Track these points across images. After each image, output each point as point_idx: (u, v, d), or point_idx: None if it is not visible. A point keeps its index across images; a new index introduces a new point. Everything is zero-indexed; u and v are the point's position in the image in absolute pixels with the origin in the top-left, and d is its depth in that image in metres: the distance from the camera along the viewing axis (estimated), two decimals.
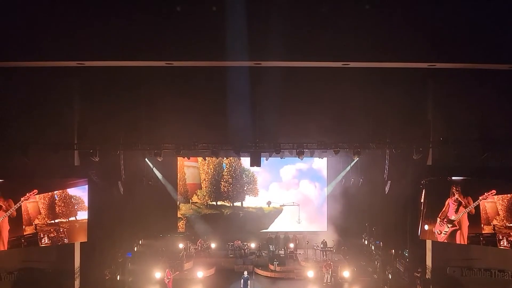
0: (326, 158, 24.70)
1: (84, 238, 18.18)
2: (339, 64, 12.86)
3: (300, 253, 23.59)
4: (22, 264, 17.76)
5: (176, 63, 12.86)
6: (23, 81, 15.57)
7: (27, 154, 16.26)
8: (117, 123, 18.59)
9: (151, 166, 23.01)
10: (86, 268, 19.07)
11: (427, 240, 19.06)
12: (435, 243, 18.67)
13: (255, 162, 19.55)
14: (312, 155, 20.18)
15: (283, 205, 25.95)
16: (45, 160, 16.90)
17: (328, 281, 19.50)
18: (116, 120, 18.48)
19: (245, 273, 18.82)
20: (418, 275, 18.76)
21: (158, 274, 19.55)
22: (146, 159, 22.57)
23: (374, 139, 18.76)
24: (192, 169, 26.04)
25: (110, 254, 20.22)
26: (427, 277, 18.76)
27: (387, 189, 21.10)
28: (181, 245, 23.93)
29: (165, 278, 18.75)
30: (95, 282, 18.52)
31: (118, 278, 19.16)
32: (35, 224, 16.97)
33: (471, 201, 17.17)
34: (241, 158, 20.50)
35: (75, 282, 18.52)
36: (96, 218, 18.79)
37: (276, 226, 25.97)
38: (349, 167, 23.82)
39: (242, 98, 19.09)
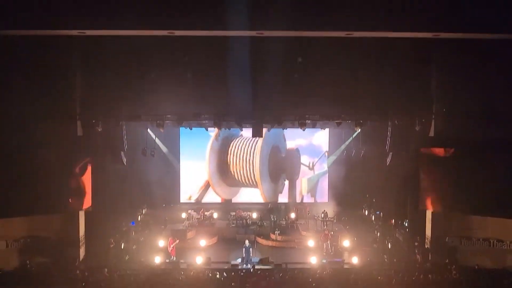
0: (328, 129, 24.71)
1: (89, 208, 18.54)
2: (342, 34, 12.75)
3: (301, 223, 23.94)
4: (27, 232, 18.06)
5: (178, 33, 12.78)
6: (24, 51, 15.47)
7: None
8: (119, 94, 18.56)
9: (154, 137, 23.08)
10: (90, 237, 19.42)
11: (427, 211, 19.32)
12: (435, 214, 18.93)
13: (257, 133, 19.66)
14: (314, 127, 20.27)
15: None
16: (49, 130, 16.97)
17: (329, 250, 19.84)
18: (118, 91, 18.45)
19: (247, 242, 19.16)
20: (417, 244, 19.09)
21: (161, 243, 19.93)
22: (148, 130, 22.61)
23: (377, 110, 18.75)
24: None
25: (114, 223, 20.53)
26: (426, 246, 19.10)
27: (388, 160, 21.25)
28: (183, 215, 24.31)
29: (168, 247, 19.12)
30: (99, 250, 18.87)
31: (122, 246, 19.54)
32: None
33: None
34: (243, 129, 20.49)
35: (80, 250, 18.91)
36: (100, 187, 19.04)
37: (279, 196, 26.23)
38: (351, 139, 23.87)
39: (244, 69, 18.97)
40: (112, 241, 19.18)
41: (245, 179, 25.90)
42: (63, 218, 18.40)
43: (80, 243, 18.94)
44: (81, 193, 18.30)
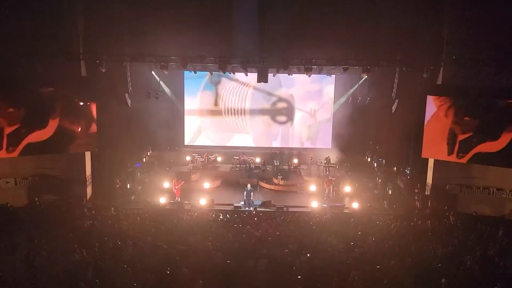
0: (334, 75, 24.35)
1: (94, 148, 18.79)
2: None
3: (303, 169, 24.23)
4: (35, 170, 18.46)
5: None
6: None
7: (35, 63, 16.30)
8: (123, 33, 18.24)
9: (158, 79, 22.87)
10: (97, 176, 19.84)
11: (429, 159, 19.43)
12: (437, 162, 19.06)
13: (262, 78, 19.41)
14: (320, 72, 19.94)
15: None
16: (53, 70, 16.84)
17: (331, 195, 20.21)
18: (122, 31, 18.13)
19: (248, 185, 19.52)
20: (417, 191, 19.39)
21: (166, 184, 20.34)
22: (152, 72, 22.38)
23: (385, 56, 18.35)
24: None
25: (120, 164, 20.85)
26: (426, 193, 19.40)
27: (394, 108, 21.11)
28: (188, 158, 24.61)
29: (173, 188, 19.52)
30: (106, 190, 19.31)
31: (128, 187, 19.99)
32: None
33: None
34: (248, 73, 20.20)
35: (87, 189, 19.36)
36: (105, 129, 19.16)
37: (282, 142, 26.34)
38: (357, 85, 23.57)
39: (250, 10, 18.47)
40: (118, 181, 19.58)
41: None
42: (70, 158, 18.72)
43: (87, 182, 19.37)
44: (86, 134, 18.46)
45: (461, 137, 17.91)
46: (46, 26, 16.59)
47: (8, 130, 16.79)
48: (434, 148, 18.58)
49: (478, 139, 17.60)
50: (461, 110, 17.78)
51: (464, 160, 18.02)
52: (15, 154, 17.18)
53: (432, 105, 18.39)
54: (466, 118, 17.73)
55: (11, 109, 16.80)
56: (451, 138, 18.08)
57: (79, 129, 18.28)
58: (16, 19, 15.97)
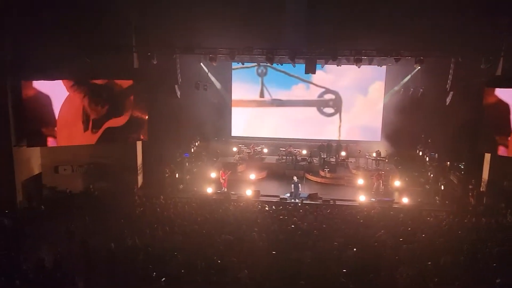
0: (385, 66, 23.67)
1: (145, 137, 19.40)
2: None
3: (351, 162, 23.82)
4: (90, 159, 19.30)
5: None
6: None
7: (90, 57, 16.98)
8: (174, 27, 18.59)
9: (206, 71, 23.19)
10: (147, 166, 20.51)
11: (485, 154, 18.53)
12: (494, 157, 18.14)
13: (310, 69, 19.19)
14: (370, 63, 19.42)
15: None
16: (106, 62, 17.48)
17: (380, 189, 19.77)
18: (172, 24, 18.47)
19: (295, 177, 19.45)
20: (472, 187, 18.57)
21: (213, 174, 20.67)
22: (201, 64, 22.71)
23: (440, 46, 17.60)
24: None
25: (169, 154, 21.38)
26: (481, 190, 18.54)
27: (448, 100, 20.21)
28: (235, 149, 24.85)
29: (220, 178, 19.80)
30: (156, 179, 19.90)
31: (176, 176, 20.50)
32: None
33: None
34: (296, 64, 20.03)
35: (138, 177, 20.04)
36: (156, 120, 19.70)
37: (329, 134, 25.98)
38: (409, 76, 22.75)
39: (299, 0, 18.27)
40: (167, 170, 20.14)
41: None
42: (122, 147, 19.40)
43: (138, 171, 20.04)
44: (138, 125, 19.07)
45: None
46: (101, 20, 17.18)
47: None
48: (492, 143, 17.68)
49: None
50: None
51: None
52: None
53: (490, 97, 17.48)
54: None
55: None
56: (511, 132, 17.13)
57: (131, 119, 18.90)
58: (71, 15, 16.65)
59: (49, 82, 17.27)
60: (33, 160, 18.34)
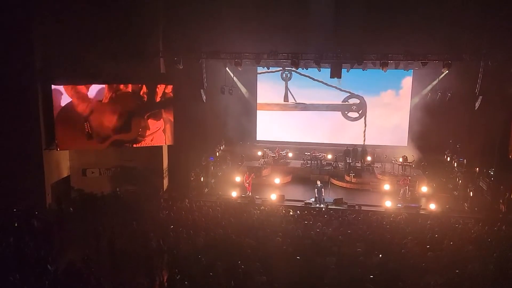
0: (412, 70, 23.30)
1: (170, 142, 19.62)
2: None
3: (377, 167, 23.49)
4: (117, 162, 19.67)
5: None
6: None
7: (117, 61, 17.34)
8: (199, 32, 18.80)
9: (232, 75, 23.34)
10: (173, 169, 20.73)
11: None
12: None
13: (336, 73, 19.09)
14: (397, 67, 19.20)
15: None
16: (133, 67, 17.81)
17: (406, 195, 19.43)
18: (198, 30, 18.68)
19: (318, 182, 19.26)
20: (502, 194, 18.03)
21: (238, 178, 20.74)
22: (227, 69, 22.87)
23: (468, 49, 17.22)
24: None
25: (194, 158, 21.56)
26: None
27: (477, 104, 19.74)
28: (259, 153, 24.89)
29: (244, 182, 19.85)
30: (181, 182, 20.09)
31: (201, 180, 20.66)
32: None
33: None
34: (321, 69, 19.95)
35: (164, 180, 20.29)
36: (182, 124, 19.91)
37: (354, 138, 25.72)
38: (437, 80, 22.29)
39: (325, 4, 18.22)
40: (192, 174, 20.31)
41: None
42: (148, 150, 19.68)
43: (164, 174, 20.29)
44: (164, 128, 19.32)
45: None
46: (128, 26, 17.54)
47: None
48: None
49: None
50: None
51: None
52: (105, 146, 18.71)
53: None
54: None
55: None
56: None
57: (158, 123, 19.16)
58: (99, 21, 17.07)
59: (76, 87, 17.67)
60: (62, 163, 18.83)
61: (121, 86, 18.38)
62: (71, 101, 17.72)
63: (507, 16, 16.50)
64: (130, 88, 18.49)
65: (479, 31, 17.35)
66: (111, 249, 12.29)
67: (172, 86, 18.88)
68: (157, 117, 19.04)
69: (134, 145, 18.99)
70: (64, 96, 17.60)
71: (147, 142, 19.10)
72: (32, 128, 16.94)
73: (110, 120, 18.40)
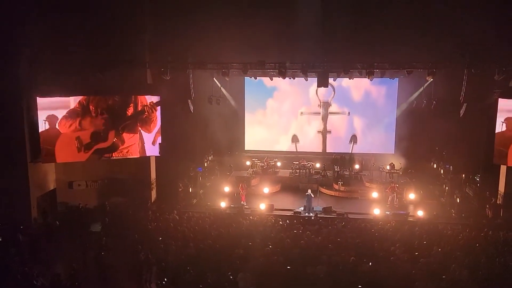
0: (397, 79, 23.60)
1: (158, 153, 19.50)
2: None
3: (365, 174, 23.65)
4: (104, 174, 19.44)
5: None
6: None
7: (103, 72, 17.25)
8: (186, 43, 18.80)
9: (219, 85, 23.36)
10: (161, 180, 20.53)
11: (501, 166, 18.25)
12: (510, 169, 17.85)
13: (323, 83, 19.19)
14: (382, 76, 19.40)
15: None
16: (120, 78, 17.72)
17: (394, 203, 19.55)
18: (185, 40, 18.69)
19: (309, 191, 19.32)
20: (488, 200, 18.25)
21: (226, 188, 20.66)
22: (214, 79, 22.89)
23: (452, 57, 17.51)
24: None
25: (182, 168, 21.44)
26: (498, 202, 18.22)
27: (462, 111, 20.00)
28: (248, 163, 24.86)
29: (240, 192, 19.78)
30: (169, 193, 19.93)
31: (190, 190, 20.54)
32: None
33: None
34: (308, 78, 20.08)
35: (152, 192, 20.11)
36: (169, 134, 19.81)
37: (342, 147, 25.87)
38: (422, 88, 22.59)
39: (311, 14, 18.39)
40: (181, 185, 20.19)
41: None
42: (136, 162, 19.49)
43: (152, 185, 20.12)
44: (150, 140, 19.19)
45: None
46: (115, 36, 17.49)
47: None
48: (508, 154, 17.42)
49: None
50: None
51: None
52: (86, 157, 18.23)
53: (504, 109, 17.29)
54: None
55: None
56: None
57: (147, 134, 19.05)
58: (87, 31, 17.02)
59: (61, 99, 17.40)
60: (48, 176, 18.56)
61: (107, 97, 18.24)
62: (53, 114, 17.41)
63: (489, 25, 16.83)
64: (115, 99, 18.34)
65: (462, 40, 17.65)
66: (98, 262, 12.12)
67: (159, 96, 18.78)
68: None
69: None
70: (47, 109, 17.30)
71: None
72: (17, 141, 16.69)
73: (92, 131, 18.14)
